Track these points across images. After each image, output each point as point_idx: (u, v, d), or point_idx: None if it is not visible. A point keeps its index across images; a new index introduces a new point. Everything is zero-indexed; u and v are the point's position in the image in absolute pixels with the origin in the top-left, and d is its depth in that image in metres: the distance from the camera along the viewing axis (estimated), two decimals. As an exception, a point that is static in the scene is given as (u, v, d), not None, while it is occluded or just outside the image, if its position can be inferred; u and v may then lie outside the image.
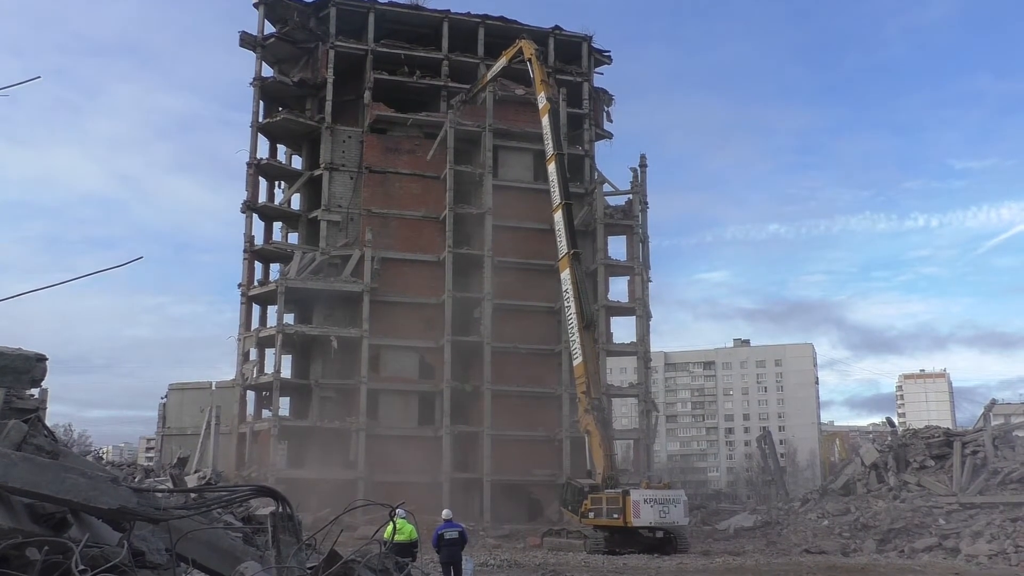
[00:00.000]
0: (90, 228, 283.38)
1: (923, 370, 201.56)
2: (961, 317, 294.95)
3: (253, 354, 57.19)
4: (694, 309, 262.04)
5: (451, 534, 19.26)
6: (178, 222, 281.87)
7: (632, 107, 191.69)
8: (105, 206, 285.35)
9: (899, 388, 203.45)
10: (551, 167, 46.83)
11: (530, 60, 49.90)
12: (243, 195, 58.42)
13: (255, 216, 58.98)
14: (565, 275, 44.08)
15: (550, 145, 47.13)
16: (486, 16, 62.64)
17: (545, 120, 47.83)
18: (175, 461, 40.01)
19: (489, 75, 56.32)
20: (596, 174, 62.93)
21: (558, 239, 45.39)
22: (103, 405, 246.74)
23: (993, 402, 51.05)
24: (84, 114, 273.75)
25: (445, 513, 20.59)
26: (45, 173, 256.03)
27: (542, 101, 48.39)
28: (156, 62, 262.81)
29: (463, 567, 20.02)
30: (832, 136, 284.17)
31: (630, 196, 62.29)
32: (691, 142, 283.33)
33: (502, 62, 53.84)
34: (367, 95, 59.41)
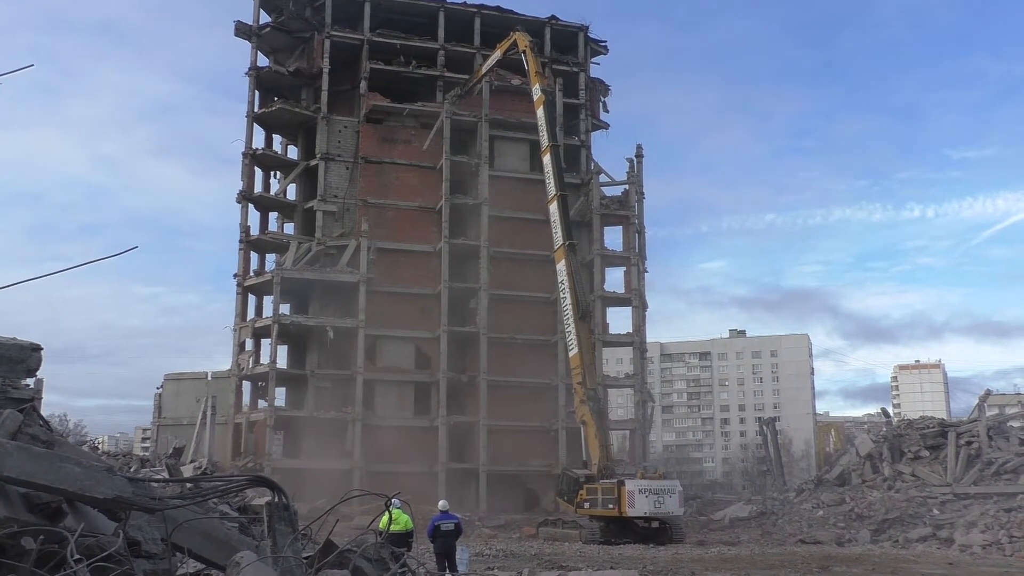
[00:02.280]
0: (75, 214, 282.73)
1: (918, 361, 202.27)
2: (957, 307, 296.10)
3: (249, 344, 57.21)
4: (688, 296, 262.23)
5: (447, 525, 19.31)
6: (164, 207, 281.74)
7: (623, 89, 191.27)
8: (89, 191, 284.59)
9: (894, 378, 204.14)
10: (546, 159, 46.89)
11: (525, 52, 49.87)
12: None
13: (251, 206, 58.90)
14: (561, 266, 44.10)
15: (545, 137, 47.17)
16: (482, 6, 62.50)
17: (540, 112, 47.81)
18: (171, 451, 40.10)
19: (484, 68, 56.32)
20: (592, 164, 62.93)
21: (553, 230, 45.38)
22: (93, 394, 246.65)
23: (988, 392, 51.12)
24: (62, 95, 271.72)
25: (441, 504, 20.63)
26: (25, 157, 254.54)
27: (537, 93, 48.40)
28: (136, 43, 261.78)
29: (458, 557, 20.09)
30: (827, 119, 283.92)
31: (626, 186, 62.31)
32: (684, 125, 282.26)
33: (497, 55, 53.78)
34: (363, 85, 59.30)
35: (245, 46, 60.25)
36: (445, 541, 19.22)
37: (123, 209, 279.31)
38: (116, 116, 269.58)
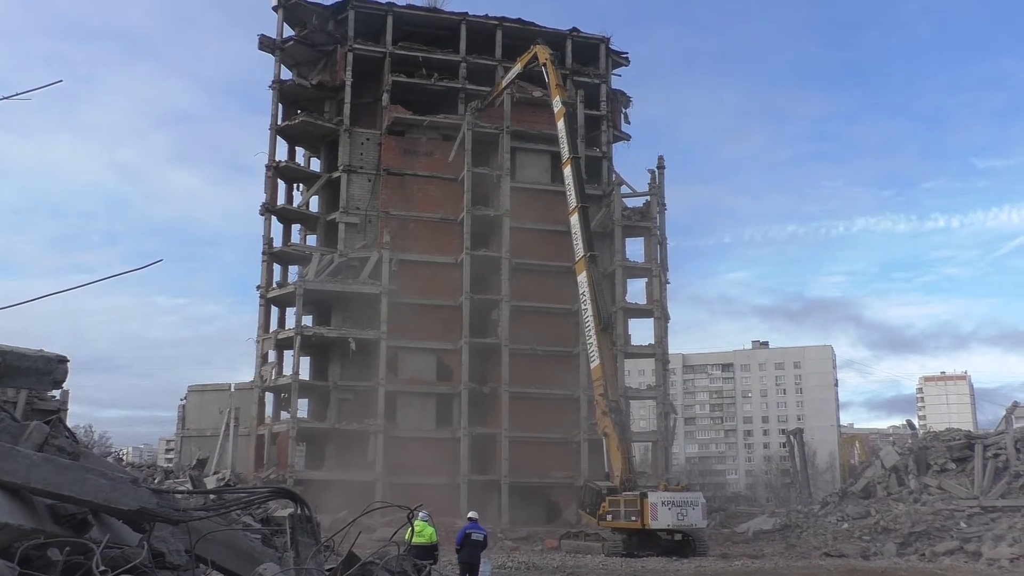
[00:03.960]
0: (96, 223, 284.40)
1: (944, 372, 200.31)
2: (984, 317, 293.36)
3: (272, 356, 57.46)
4: (710, 307, 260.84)
5: (477, 535, 19.48)
6: (182, 216, 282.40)
7: (642, 93, 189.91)
8: (107, 199, 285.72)
9: (919, 390, 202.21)
10: (567, 171, 46.88)
11: (545, 65, 49.96)
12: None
13: (274, 218, 59.27)
14: (582, 278, 44.08)
15: (566, 149, 47.16)
16: (504, 18, 62.69)
17: (561, 124, 47.89)
18: (194, 463, 40.36)
19: (505, 81, 56.38)
20: (614, 176, 62.88)
21: (575, 242, 45.36)
22: (116, 405, 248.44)
23: (1015, 404, 50.61)
24: (78, 103, 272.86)
25: (472, 514, 20.73)
26: (43, 165, 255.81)
27: (557, 105, 48.50)
28: (152, 50, 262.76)
29: (481, 569, 20.14)
30: (849, 123, 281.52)
31: (648, 198, 62.18)
32: (703, 129, 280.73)
33: (517, 68, 53.93)
34: (385, 98, 59.60)
35: (260, 53, 60.65)
36: (472, 551, 19.32)
37: (142, 218, 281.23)
38: (133, 124, 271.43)
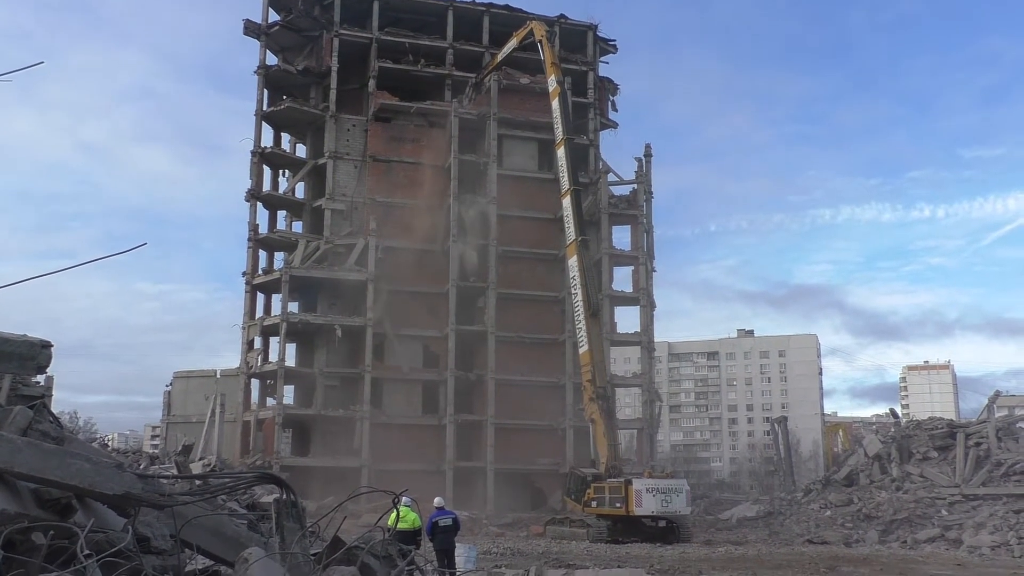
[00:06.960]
0: (65, 205, 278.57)
1: (927, 361, 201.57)
2: (968, 306, 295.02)
3: (258, 342, 57.33)
4: (695, 294, 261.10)
5: (445, 521, 19.57)
6: (154, 197, 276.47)
7: (624, 71, 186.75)
8: (75, 179, 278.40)
9: (903, 379, 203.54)
10: (560, 151, 46.17)
11: (541, 42, 49.12)
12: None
13: (259, 204, 59.01)
14: (572, 262, 43.75)
15: (560, 129, 46.24)
16: (491, 4, 62.43)
17: (555, 103, 46.91)
18: (180, 448, 40.23)
19: (500, 56, 55.59)
20: (601, 163, 62.81)
21: (566, 225, 44.96)
22: (97, 390, 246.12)
23: (997, 394, 51.00)
24: (39, 78, 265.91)
25: (437, 501, 20.82)
26: (6, 143, 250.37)
27: (552, 84, 47.36)
28: (116, 23, 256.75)
29: (466, 555, 20.22)
30: (834, 103, 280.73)
31: (634, 186, 62.16)
32: (687, 109, 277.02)
33: (513, 43, 53.16)
34: (371, 84, 59.35)
35: (242, 36, 60.24)
36: (444, 537, 19.46)
37: (113, 198, 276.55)
38: (98, 100, 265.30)
